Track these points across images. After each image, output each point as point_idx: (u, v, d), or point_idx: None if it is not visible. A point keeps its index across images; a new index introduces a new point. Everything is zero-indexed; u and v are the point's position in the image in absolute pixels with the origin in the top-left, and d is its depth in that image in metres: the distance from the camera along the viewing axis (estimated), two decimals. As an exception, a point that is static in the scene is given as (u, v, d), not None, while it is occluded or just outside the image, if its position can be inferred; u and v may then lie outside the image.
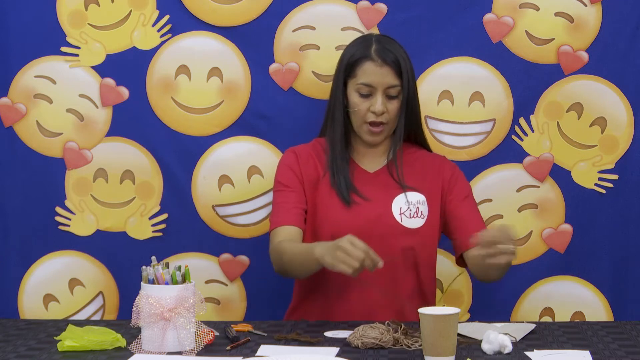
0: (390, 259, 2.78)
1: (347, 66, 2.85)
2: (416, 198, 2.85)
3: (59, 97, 3.15)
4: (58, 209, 3.15)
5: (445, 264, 3.15)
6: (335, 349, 2.42)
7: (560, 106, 3.14)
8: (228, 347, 2.45)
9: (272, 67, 3.15)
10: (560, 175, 3.15)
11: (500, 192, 3.16)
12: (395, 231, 2.82)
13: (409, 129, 2.90)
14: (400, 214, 2.84)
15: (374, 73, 2.82)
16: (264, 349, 2.43)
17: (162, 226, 3.17)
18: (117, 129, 3.15)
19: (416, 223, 2.85)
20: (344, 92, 2.87)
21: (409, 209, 2.85)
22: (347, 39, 3.00)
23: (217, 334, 2.55)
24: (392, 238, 2.81)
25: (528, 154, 3.15)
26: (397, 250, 2.81)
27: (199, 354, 2.40)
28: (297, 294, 2.96)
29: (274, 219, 2.85)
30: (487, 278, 2.84)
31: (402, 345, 2.43)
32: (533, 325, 2.61)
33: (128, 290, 3.12)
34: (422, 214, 2.86)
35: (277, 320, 2.89)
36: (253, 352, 2.41)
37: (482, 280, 2.88)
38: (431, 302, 2.91)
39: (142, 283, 2.43)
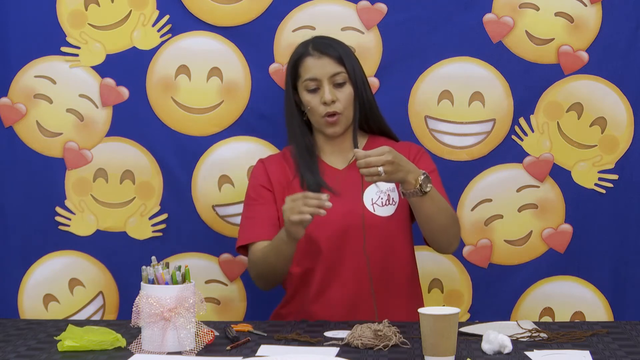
0: (363, 252, 2.79)
1: (292, 70, 2.91)
2: (385, 186, 2.85)
3: (59, 97, 3.15)
4: (58, 209, 3.15)
5: (445, 264, 3.16)
6: (335, 349, 2.42)
7: (560, 106, 3.14)
8: (228, 347, 2.45)
9: (272, 67, 3.15)
10: (560, 175, 3.15)
11: (500, 192, 3.16)
12: (369, 221, 2.82)
13: (367, 118, 2.92)
14: (373, 204, 2.85)
15: (314, 66, 2.87)
16: (264, 349, 2.43)
17: (162, 226, 3.16)
18: (117, 129, 3.15)
19: (388, 211, 2.85)
20: (295, 96, 2.91)
21: (380, 197, 2.85)
22: (347, 39, 3.00)
23: (217, 334, 2.55)
24: (367, 229, 2.81)
25: (528, 154, 3.15)
26: (372, 239, 2.81)
27: (199, 354, 2.40)
28: (283, 300, 2.97)
29: (245, 234, 2.87)
30: (435, 238, 2.82)
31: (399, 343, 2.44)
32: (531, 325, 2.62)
33: (128, 290, 3.12)
34: (393, 200, 2.86)
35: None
36: (253, 352, 2.41)
37: (438, 247, 2.86)
38: (414, 297, 2.90)
39: (142, 283, 2.43)
